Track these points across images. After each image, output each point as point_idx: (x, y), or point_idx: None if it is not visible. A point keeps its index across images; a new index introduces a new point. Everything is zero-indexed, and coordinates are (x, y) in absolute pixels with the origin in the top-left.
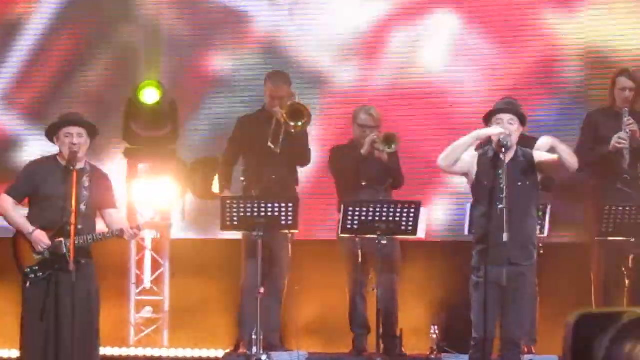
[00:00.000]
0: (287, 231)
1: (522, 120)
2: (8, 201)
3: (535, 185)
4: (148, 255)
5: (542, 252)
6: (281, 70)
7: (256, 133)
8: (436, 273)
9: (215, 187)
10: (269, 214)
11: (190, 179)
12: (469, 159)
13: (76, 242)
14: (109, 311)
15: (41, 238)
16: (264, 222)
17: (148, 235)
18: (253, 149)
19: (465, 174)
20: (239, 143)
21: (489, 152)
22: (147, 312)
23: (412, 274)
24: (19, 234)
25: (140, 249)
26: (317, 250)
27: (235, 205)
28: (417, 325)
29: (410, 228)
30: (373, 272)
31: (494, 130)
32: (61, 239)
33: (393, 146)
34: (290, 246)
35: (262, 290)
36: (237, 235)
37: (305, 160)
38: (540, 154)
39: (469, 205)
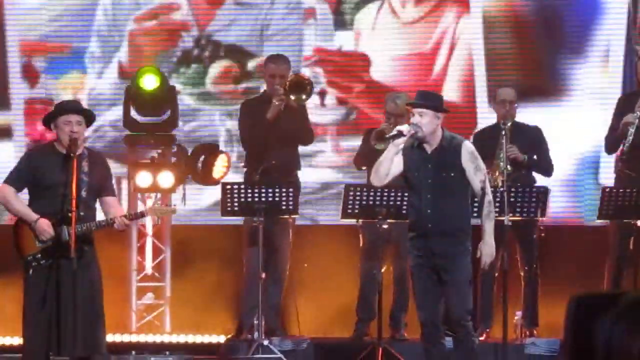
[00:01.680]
0: (287, 216)
1: (438, 109)
2: (9, 190)
3: (462, 176)
4: (149, 242)
5: (543, 235)
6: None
7: (257, 118)
8: None
9: (216, 173)
10: (269, 199)
11: (191, 165)
12: (397, 159)
13: (78, 229)
14: (111, 298)
15: (45, 227)
16: (264, 208)
17: (149, 222)
18: (254, 133)
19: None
20: (241, 129)
21: (415, 144)
22: (148, 298)
23: None
24: (20, 221)
25: (142, 235)
26: (324, 234)
27: (235, 191)
28: None
29: None
30: (384, 257)
31: (401, 128)
32: (63, 226)
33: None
34: (291, 232)
35: (263, 275)
36: (238, 220)
37: (307, 137)
38: (467, 165)
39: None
